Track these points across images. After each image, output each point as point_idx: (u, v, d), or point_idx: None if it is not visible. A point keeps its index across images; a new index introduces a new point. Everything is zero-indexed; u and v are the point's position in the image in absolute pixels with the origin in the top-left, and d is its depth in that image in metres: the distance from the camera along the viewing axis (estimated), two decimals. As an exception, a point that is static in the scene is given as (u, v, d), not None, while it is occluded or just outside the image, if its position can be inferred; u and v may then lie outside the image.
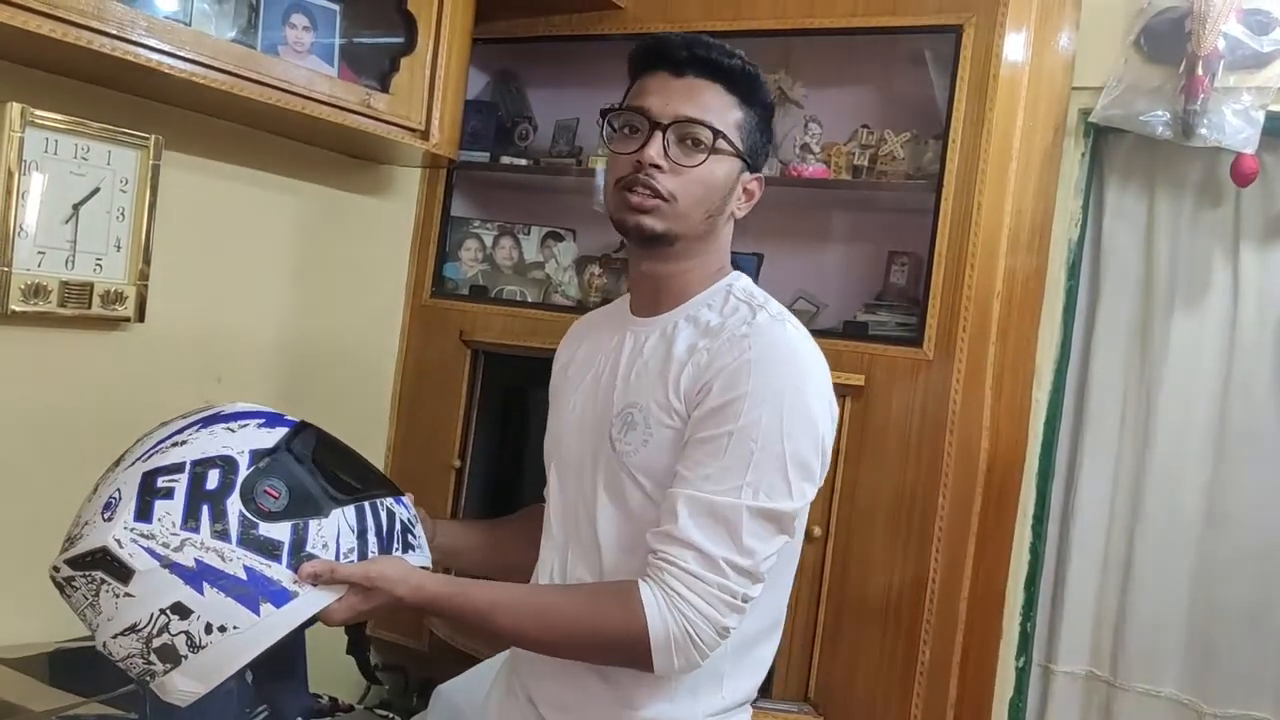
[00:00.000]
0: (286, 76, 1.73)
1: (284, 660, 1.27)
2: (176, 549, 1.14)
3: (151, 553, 1.14)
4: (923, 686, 1.88)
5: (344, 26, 1.92)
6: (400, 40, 1.98)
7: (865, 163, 2.10)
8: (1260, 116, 2.00)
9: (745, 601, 1.21)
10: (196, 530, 1.15)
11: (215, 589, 1.14)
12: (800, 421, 1.24)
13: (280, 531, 1.18)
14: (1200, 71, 2.01)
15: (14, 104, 1.53)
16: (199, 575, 1.14)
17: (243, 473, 1.19)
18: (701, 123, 1.27)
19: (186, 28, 1.60)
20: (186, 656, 1.15)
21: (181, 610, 1.14)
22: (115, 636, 1.16)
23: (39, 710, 1.37)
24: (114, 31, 1.46)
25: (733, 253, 2.24)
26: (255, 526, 1.17)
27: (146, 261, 1.74)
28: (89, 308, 1.67)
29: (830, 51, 2.24)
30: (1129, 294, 2.26)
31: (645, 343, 1.34)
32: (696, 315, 1.33)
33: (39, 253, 1.60)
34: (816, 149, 2.15)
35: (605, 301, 2.26)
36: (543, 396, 2.37)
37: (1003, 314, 1.93)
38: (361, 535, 1.25)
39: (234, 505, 1.17)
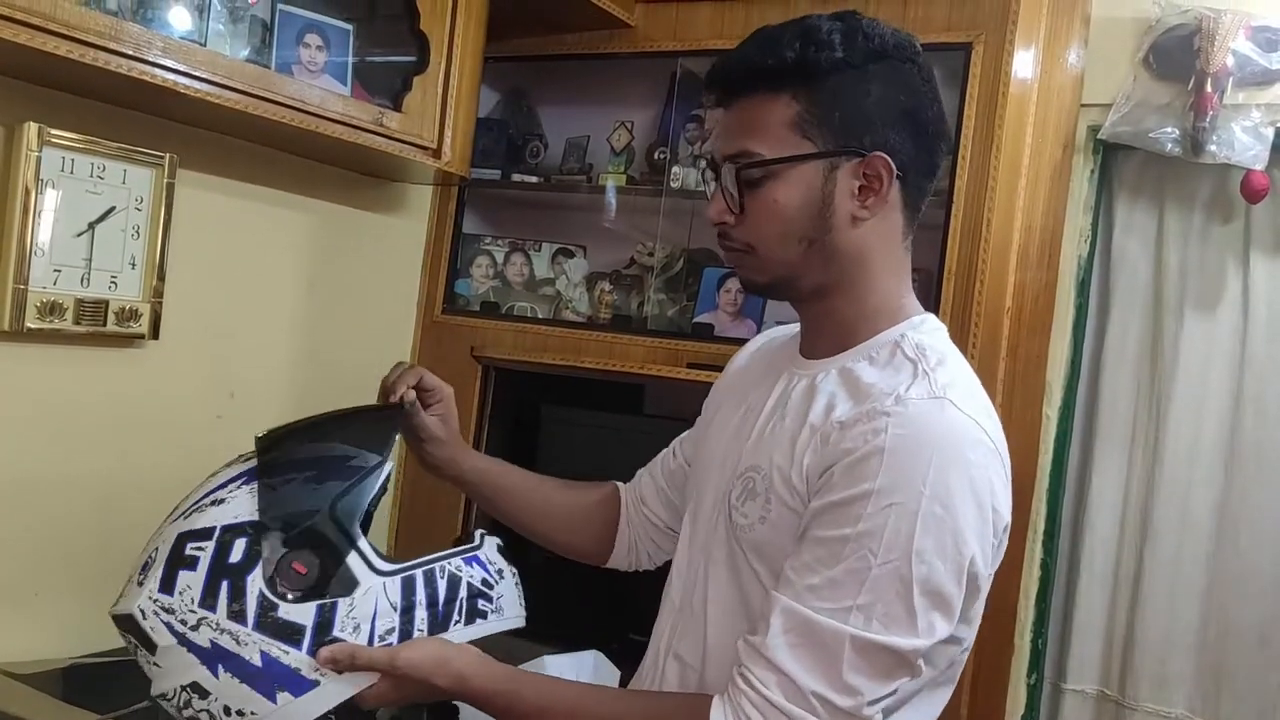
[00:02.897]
0: (300, 95, 1.74)
1: None
2: (193, 628, 1.05)
3: (170, 628, 1.06)
4: (934, 704, 1.87)
5: (357, 46, 1.94)
6: (412, 59, 1.99)
7: (875, 179, 2.10)
8: (1270, 133, 2.01)
9: None
10: (213, 609, 1.05)
11: (229, 674, 1.05)
12: (940, 539, 0.97)
13: (303, 614, 1.06)
14: (1209, 88, 2.01)
15: (31, 123, 1.55)
16: (214, 657, 1.05)
17: (271, 543, 1.07)
18: (733, 159, 1.08)
19: (201, 48, 1.62)
20: None
21: (200, 690, 1.06)
22: (155, 697, 1.11)
23: (52, 726, 1.38)
24: (130, 52, 1.48)
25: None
26: (274, 609, 1.05)
27: (161, 279, 1.75)
28: (104, 325, 1.69)
29: (839, 69, 2.25)
30: (1139, 310, 2.26)
31: (793, 391, 1.12)
32: (852, 369, 1.08)
33: (54, 270, 1.61)
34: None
35: (616, 318, 2.27)
36: (553, 412, 2.38)
37: (1012, 330, 1.93)
38: (407, 611, 1.10)
39: (254, 584, 1.05)
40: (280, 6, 1.81)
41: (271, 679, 1.05)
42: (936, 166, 1.14)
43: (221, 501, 1.10)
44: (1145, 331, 2.26)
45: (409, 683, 1.07)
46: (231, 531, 1.07)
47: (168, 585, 1.07)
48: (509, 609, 1.20)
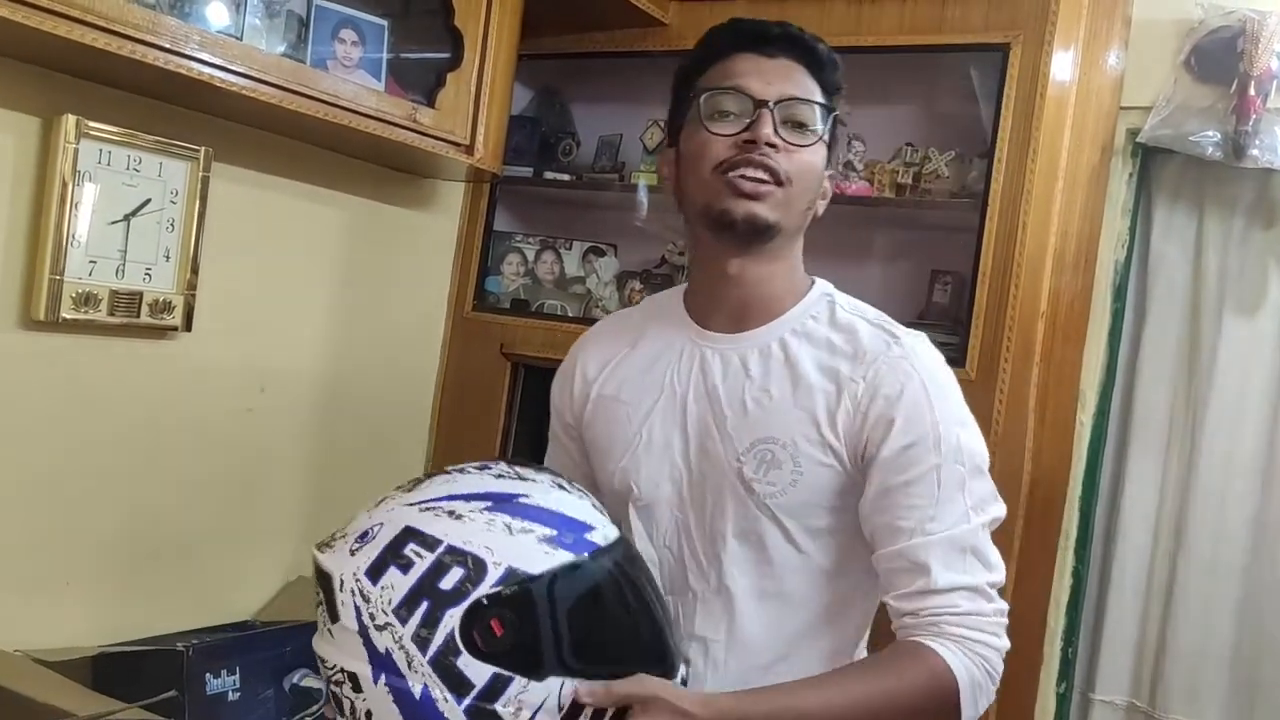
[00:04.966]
0: (334, 91, 1.75)
1: None
2: (379, 627, 1.03)
3: (358, 615, 1.04)
4: (961, 711, 1.85)
5: (392, 42, 1.94)
6: (447, 56, 1.99)
7: (909, 181, 2.09)
8: (1314, 138, 1.97)
9: (1005, 615, 1.16)
10: (404, 623, 1.02)
11: (386, 687, 1.03)
12: (973, 424, 1.20)
13: (478, 673, 1.01)
14: (1252, 92, 1.98)
15: (69, 116, 1.56)
16: (382, 665, 1.03)
17: (484, 589, 1.02)
18: (811, 101, 1.20)
19: (238, 42, 1.62)
20: (347, 718, 1.07)
21: (355, 683, 1.05)
22: (315, 653, 1.10)
23: (81, 715, 1.38)
24: (167, 45, 1.49)
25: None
26: (456, 654, 1.01)
27: (194, 272, 1.77)
28: (138, 316, 1.70)
29: (875, 69, 2.23)
30: (1176, 316, 2.23)
31: (746, 366, 1.23)
32: (809, 332, 1.22)
33: (90, 262, 1.63)
34: (860, 167, 2.14)
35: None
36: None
37: (1047, 335, 1.90)
38: (570, 718, 1.05)
39: (450, 620, 1.02)
40: (316, 2, 1.82)
41: (421, 715, 1.02)
42: None
43: (458, 516, 1.06)
44: (1182, 338, 2.22)
45: None
46: (454, 556, 1.04)
47: (375, 574, 1.05)
48: None
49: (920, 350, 1.20)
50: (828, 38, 2.04)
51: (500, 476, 1.12)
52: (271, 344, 1.99)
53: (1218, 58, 2.05)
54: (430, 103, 1.95)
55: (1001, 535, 1.86)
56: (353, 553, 1.07)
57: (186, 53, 1.51)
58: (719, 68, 1.21)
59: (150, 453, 1.79)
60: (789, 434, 1.18)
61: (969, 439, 1.18)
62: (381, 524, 1.08)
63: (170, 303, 1.74)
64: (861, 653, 1.28)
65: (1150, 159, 2.22)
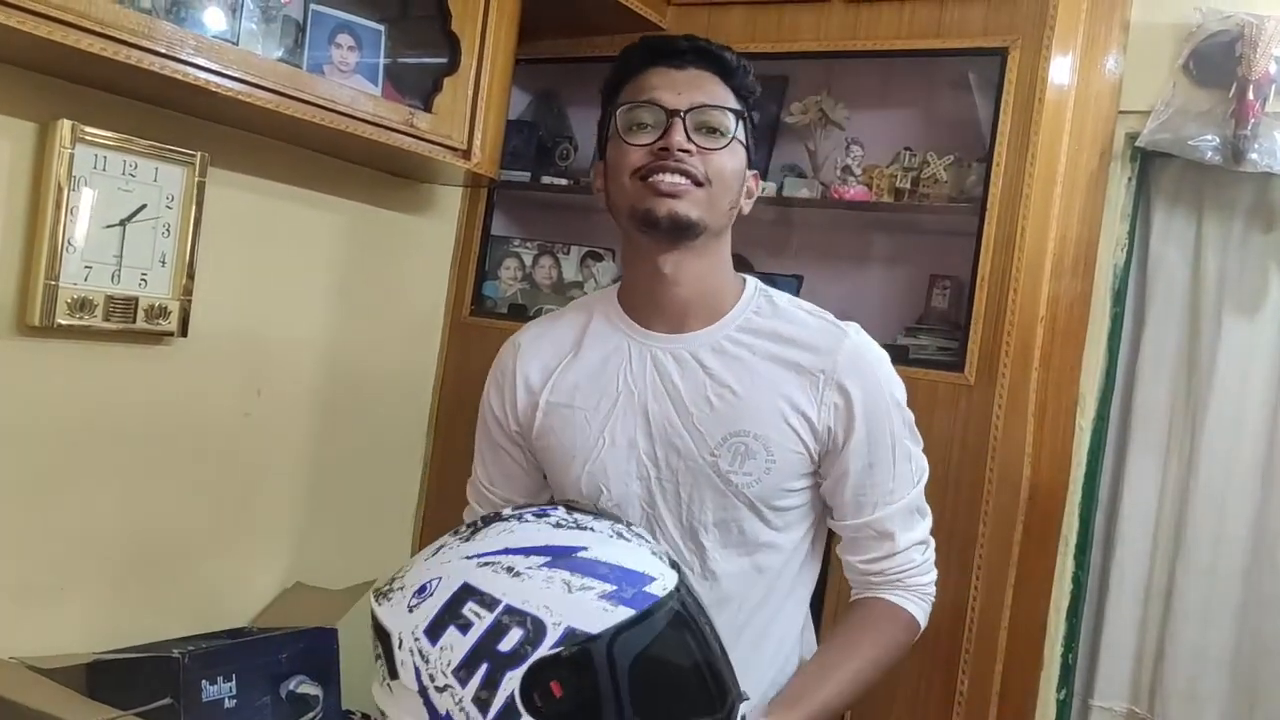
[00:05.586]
0: (331, 95, 1.74)
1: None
2: (439, 689, 1.04)
3: (418, 676, 1.05)
4: (961, 718, 1.85)
5: (389, 46, 1.94)
6: (444, 60, 1.99)
7: (907, 185, 2.08)
8: (1313, 142, 1.97)
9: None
10: (464, 684, 1.02)
11: None
12: (901, 384, 1.34)
13: None
14: (1251, 96, 1.98)
15: (64, 121, 1.56)
16: None
17: (543, 649, 1.01)
18: (722, 107, 1.26)
19: (234, 47, 1.62)
20: None
21: None
22: (375, 699, 1.12)
23: (76, 721, 1.38)
24: (163, 50, 1.48)
25: (772, 275, 2.24)
26: (516, 716, 1.01)
27: (190, 277, 1.76)
28: (133, 322, 1.69)
29: (873, 73, 2.23)
30: (1176, 320, 2.22)
31: (702, 363, 1.29)
32: (757, 327, 1.30)
33: (86, 267, 1.62)
34: (858, 171, 2.14)
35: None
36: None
37: (1046, 339, 1.90)
38: None
39: (510, 682, 1.01)
40: (313, 6, 1.81)
41: None
42: None
43: (516, 574, 1.06)
44: (1182, 341, 2.22)
45: None
46: (512, 616, 1.03)
47: (434, 633, 1.05)
48: None
49: (865, 341, 1.32)
50: (826, 42, 2.08)
51: (559, 526, 1.12)
52: (268, 349, 1.98)
53: (1216, 62, 2.05)
54: (427, 107, 1.95)
55: (1001, 540, 1.88)
56: (411, 609, 1.07)
57: (182, 58, 1.51)
58: (634, 83, 1.29)
59: (146, 458, 1.78)
60: (759, 426, 1.27)
61: (906, 414, 1.32)
62: (440, 579, 1.08)
63: (166, 308, 1.74)
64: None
65: (1149, 163, 2.22)
